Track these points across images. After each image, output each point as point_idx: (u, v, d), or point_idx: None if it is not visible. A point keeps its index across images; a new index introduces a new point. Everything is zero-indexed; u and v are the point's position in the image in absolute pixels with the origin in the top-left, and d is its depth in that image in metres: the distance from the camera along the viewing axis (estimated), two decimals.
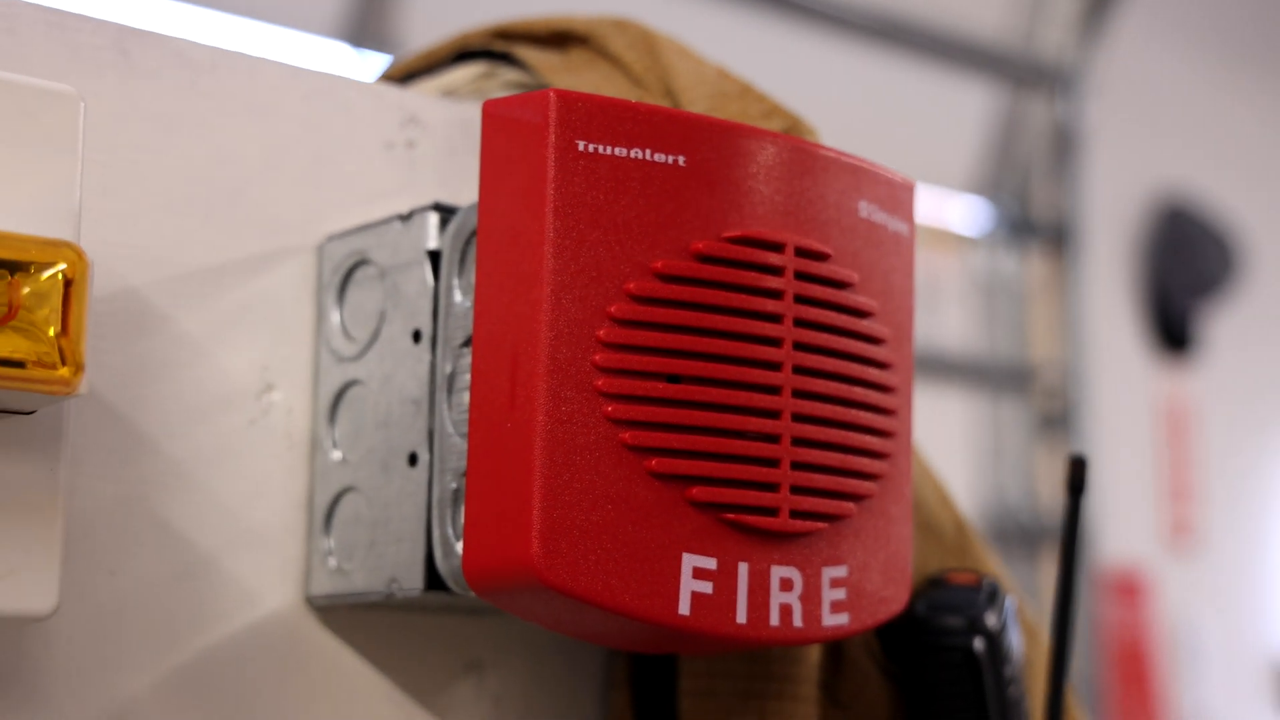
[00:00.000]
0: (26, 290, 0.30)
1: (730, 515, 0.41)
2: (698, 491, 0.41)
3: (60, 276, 0.31)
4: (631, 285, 0.40)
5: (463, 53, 0.55)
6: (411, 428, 0.44)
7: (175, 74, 0.45)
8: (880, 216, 0.45)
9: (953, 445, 2.09)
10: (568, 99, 0.40)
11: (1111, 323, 2.28)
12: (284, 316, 0.47)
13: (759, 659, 0.49)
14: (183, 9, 1.31)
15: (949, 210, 2.20)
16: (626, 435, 0.40)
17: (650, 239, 0.41)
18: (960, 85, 2.10)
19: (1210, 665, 2.27)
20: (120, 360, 0.43)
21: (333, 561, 0.45)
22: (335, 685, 0.46)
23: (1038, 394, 2.24)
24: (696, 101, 0.51)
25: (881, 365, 0.45)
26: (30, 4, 0.42)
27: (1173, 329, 2.37)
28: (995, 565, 0.56)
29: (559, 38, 0.54)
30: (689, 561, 0.41)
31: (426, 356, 0.44)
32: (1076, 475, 0.51)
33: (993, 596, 0.51)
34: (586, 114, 0.41)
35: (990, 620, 0.50)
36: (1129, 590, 2.26)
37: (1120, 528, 2.23)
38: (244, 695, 0.44)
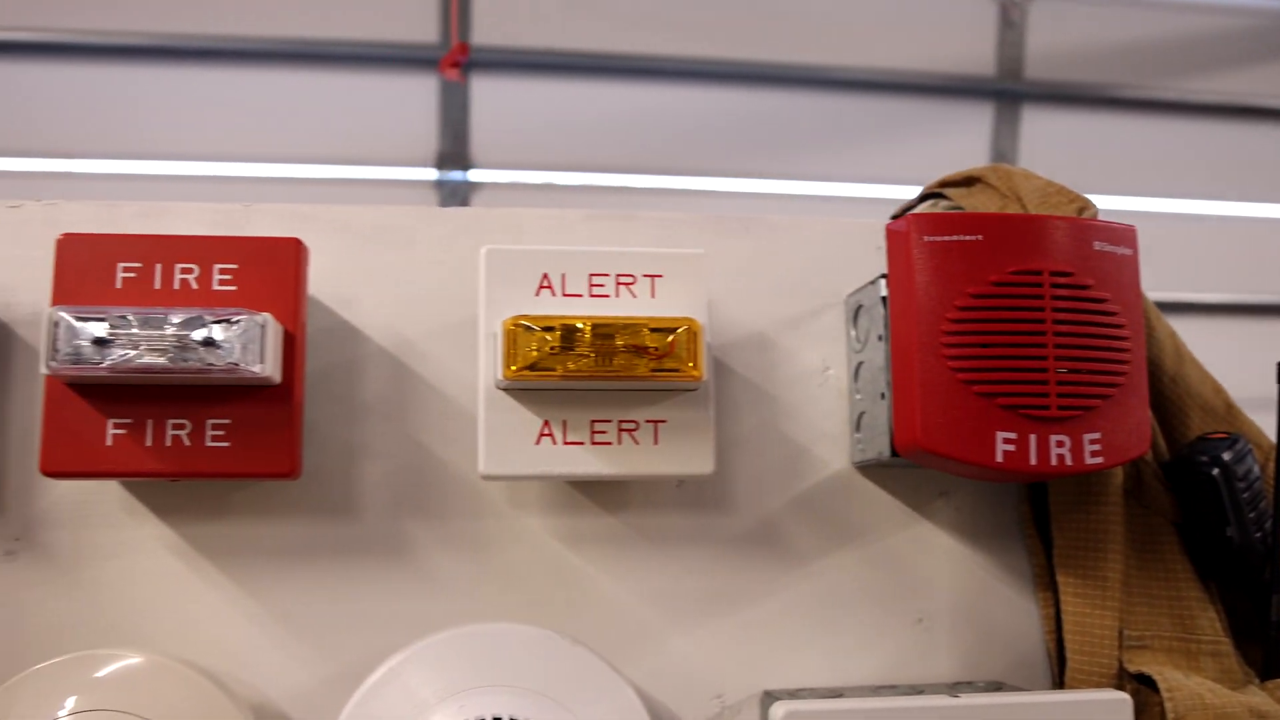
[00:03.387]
0: (670, 339, 0.74)
1: (1023, 411, 0.75)
2: (1003, 400, 0.75)
3: (687, 332, 0.75)
4: (958, 301, 0.76)
5: (925, 195, 0.93)
6: (880, 380, 0.82)
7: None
8: (1108, 248, 0.77)
9: None
10: (917, 217, 0.77)
11: None
12: (835, 334, 0.87)
13: (1082, 482, 0.81)
14: None
15: None
16: (961, 375, 0.76)
17: (967, 277, 0.76)
18: None
19: None
20: (756, 365, 0.86)
21: (860, 446, 0.85)
22: (870, 502, 0.86)
23: None
24: (1032, 199, 0.84)
25: (1116, 325, 0.76)
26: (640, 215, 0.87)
27: None
28: (1253, 428, 0.83)
29: (969, 180, 0.90)
30: (1000, 435, 0.75)
31: (883, 347, 0.82)
32: None
33: (1233, 444, 0.79)
34: (928, 222, 0.77)
35: (1226, 457, 0.79)
36: None
37: None
38: (829, 510, 0.86)
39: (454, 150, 3.50)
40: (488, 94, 3.47)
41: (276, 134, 3.39)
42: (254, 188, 3.35)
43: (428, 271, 0.84)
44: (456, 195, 3.50)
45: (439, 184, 3.52)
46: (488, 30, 3.43)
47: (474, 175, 3.52)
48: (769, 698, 0.79)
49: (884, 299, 0.81)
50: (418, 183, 3.49)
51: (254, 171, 3.36)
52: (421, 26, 3.43)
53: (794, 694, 0.79)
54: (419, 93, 3.45)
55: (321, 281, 0.82)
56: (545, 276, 0.75)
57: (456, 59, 2.81)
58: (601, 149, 3.50)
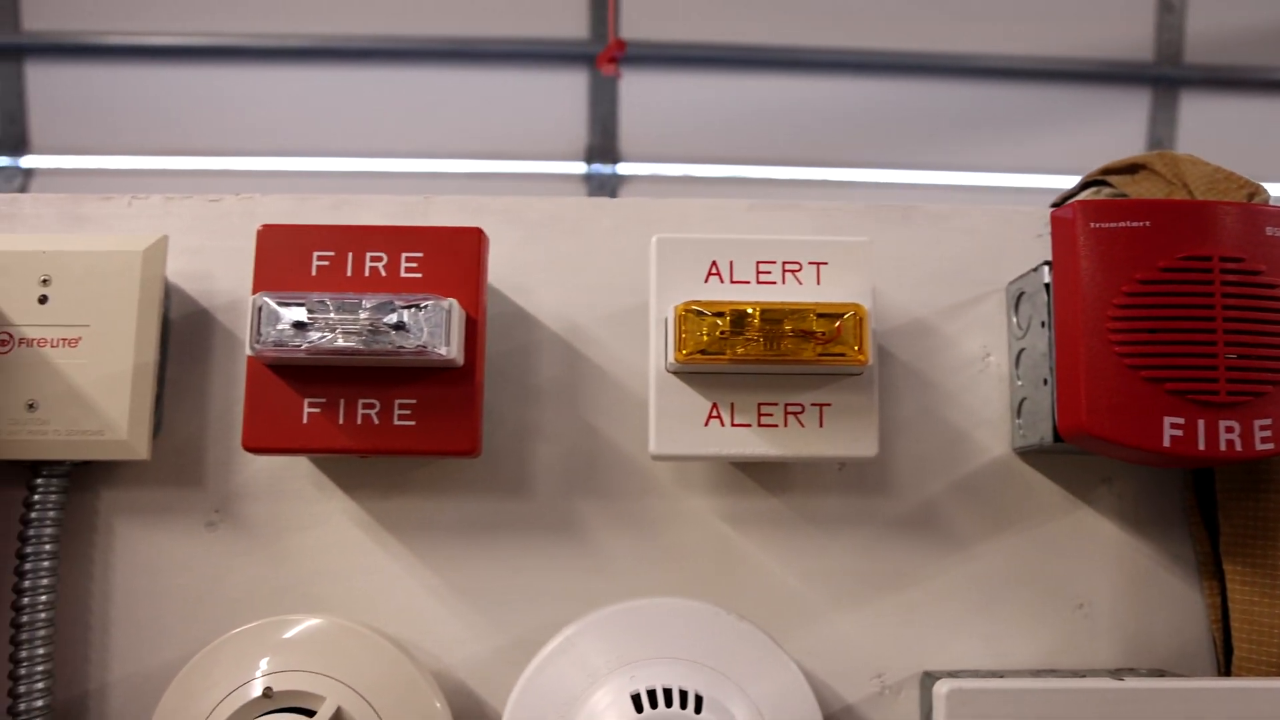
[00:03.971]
0: (837, 324, 0.75)
1: (1190, 396, 0.75)
2: (1170, 386, 0.75)
3: (853, 317, 0.76)
4: (1125, 287, 0.76)
5: (1087, 183, 0.92)
6: (1043, 366, 0.83)
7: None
8: None
9: None
10: (1084, 204, 0.77)
11: None
12: (995, 321, 0.88)
13: (1251, 469, 0.80)
14: None
15: None
16: (1128, 360, 0.76)
17: (1134, 263, 0.76)
18: None
19: None
20: (917, 351, 0.87)
21: (1021, 432, 0.86)
22: (1030, 487, 0.86)
23: None
24: (1199, 185, 0.83)
25: None
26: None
27: None
28: None
29: (1133, 166, 0.89)
30: (1167, 420, 0.75)
31: (1046, 334, 0.82)
32: None
33: None
34: (1094, 209, 0.77)
35: None
36: None
37: None
38: (989, 495, 0.86)
39: (603, 144, 3.55)
40: (636, 88, 3.51)
41: (433, 131, 3.48)
42: (408, 182, 3.45)
43: (597, 260, 0.87)
44: (605, 188, 3.55)
45: (587, 177, 3.57)
46: (636, 25, 3.47)
47: (622, 169, 3.57)
48: (929, 678, 0.80)
49: (1047, 285, 0.81)
50: (567, 176, 3.55)
51: (408, 167, 3.46)
52: (570, 23, 3.49)
53: (954, 675, 0.80)
54: (569, 87, 3.50)
55: (496, 269, 0.86)
56: (714, 264, 0.77)
57: (614, 54, 2.85)
58: (749, 142, 3.51)
